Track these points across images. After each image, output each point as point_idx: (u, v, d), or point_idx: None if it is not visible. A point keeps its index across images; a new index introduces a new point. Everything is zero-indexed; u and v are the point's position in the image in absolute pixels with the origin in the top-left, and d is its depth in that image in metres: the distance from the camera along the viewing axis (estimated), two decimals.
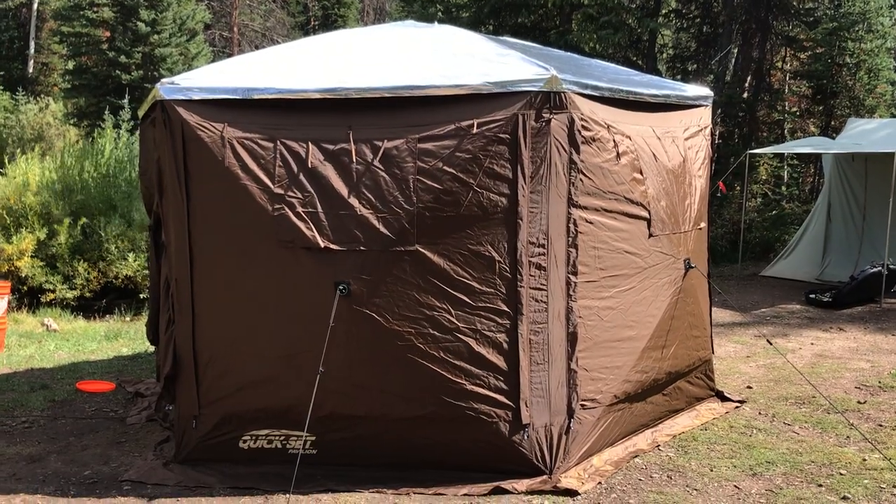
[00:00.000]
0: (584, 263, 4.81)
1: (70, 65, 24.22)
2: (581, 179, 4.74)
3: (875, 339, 8.57)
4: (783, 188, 17.62)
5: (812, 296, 10.62)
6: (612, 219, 4.93)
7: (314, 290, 4.59)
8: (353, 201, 4.55)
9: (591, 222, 4.82)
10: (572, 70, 5.10)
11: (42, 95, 25.69)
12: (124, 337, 9.20)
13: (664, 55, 18.21)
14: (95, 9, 22.78)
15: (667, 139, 5.36)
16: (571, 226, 4.74)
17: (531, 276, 4.66)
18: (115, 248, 11.12)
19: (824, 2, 17.24)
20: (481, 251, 4.61)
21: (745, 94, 17.06)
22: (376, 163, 4.54)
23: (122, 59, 21.93)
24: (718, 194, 13.83)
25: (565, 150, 4.67)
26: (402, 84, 4.61)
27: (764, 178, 17.58)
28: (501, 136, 4.55)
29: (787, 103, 18.13)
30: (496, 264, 4.61)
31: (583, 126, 4.70)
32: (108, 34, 22.85)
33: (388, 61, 5.11)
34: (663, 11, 16.99)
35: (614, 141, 4.86)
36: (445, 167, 4.53)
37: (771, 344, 6.42)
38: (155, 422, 5.79)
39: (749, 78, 17.16)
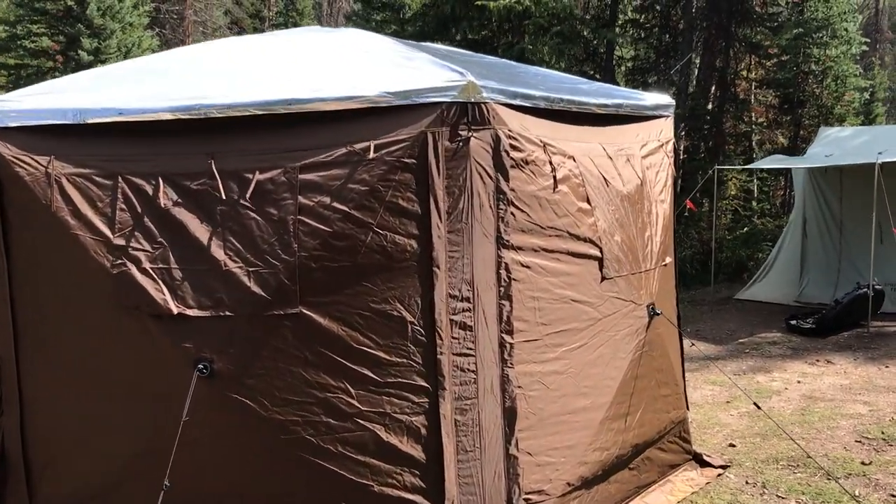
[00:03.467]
0: (522, 319, 3.78)
1: None
2: (512, 213, 3.72)
3: (868, 373, 7.62)
4: (753, 203, 16.82)
5: (793, 322, 9.68)
6: (553, 260, 3.90)
7: (168, 369, 3.51)
8: (217, 252, 3.49)
9: (527, 266, 3.80)
10: (499, 77, 4.10)
11: None
12: None
13: (623, 68, 17.37)
14: (34, 38, 21.93)
15: (620, 159, 4.36)
16: (503, 272, 3.71)
17: (454, 339, 3.62)
18: None
19: (787, 7, 16.56)
20: (387, 310, 3.57)
21: (710, 106, 16.26)
22: (245, 201, 3.50)
23: None
24: (686, 214, 12.96)
25: (490, 177, 3.65)
26: (277, 98, 3.56)
27: (733, 193, 16.77)
28: (407, 160, 3.53)
29: (753, 114, 17.37)
30: (408, 327, 3.58)
31: (511, 146, 3.69)
32: (61, 59, 21.98)
33: (270, 72, 4.07)
34: (620, 21, 16.18)
35: (552, 163, 3.84)
36: (335, 203, 3.49)
37: (758, 408, 5.41)
38: None
39: (713, 88, 16.38)
